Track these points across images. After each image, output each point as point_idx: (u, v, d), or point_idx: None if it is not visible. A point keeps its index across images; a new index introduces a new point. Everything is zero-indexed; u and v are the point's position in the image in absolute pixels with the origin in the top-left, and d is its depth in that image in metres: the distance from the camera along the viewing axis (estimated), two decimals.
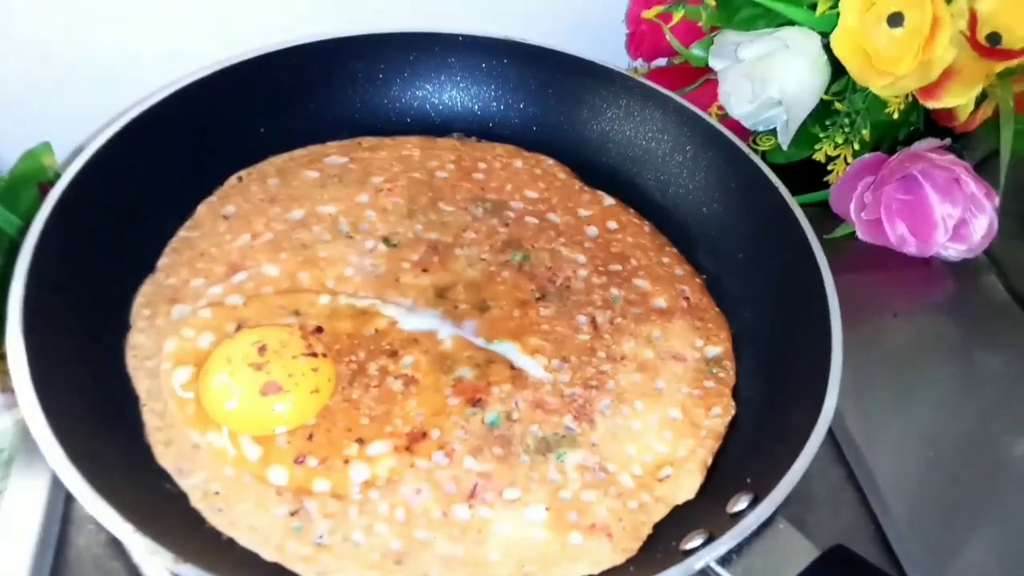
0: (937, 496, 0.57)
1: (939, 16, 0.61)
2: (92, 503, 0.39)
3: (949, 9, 0.62)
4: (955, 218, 0.68)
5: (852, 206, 0.71)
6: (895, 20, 0.62)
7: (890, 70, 0.64)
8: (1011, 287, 0.71)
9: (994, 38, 0.64)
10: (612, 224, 0.63)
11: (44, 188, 0.66)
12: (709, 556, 0.40)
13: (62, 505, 0.50)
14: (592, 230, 0.62)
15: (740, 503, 0.43)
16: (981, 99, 0.69)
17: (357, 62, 0.65)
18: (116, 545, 0.48)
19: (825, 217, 0.72)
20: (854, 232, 0.72)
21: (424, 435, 0.49)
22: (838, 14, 0.64)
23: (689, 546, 0.42)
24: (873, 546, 0.53)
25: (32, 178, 0.67)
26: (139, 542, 0.38)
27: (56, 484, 0.50)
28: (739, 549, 0.41)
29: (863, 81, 0.66)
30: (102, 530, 0.49)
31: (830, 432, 0.58)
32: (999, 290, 0.72)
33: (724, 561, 0.41)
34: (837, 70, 0.68)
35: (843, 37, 0.65)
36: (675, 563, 0.40)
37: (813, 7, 0.67)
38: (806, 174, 0.72)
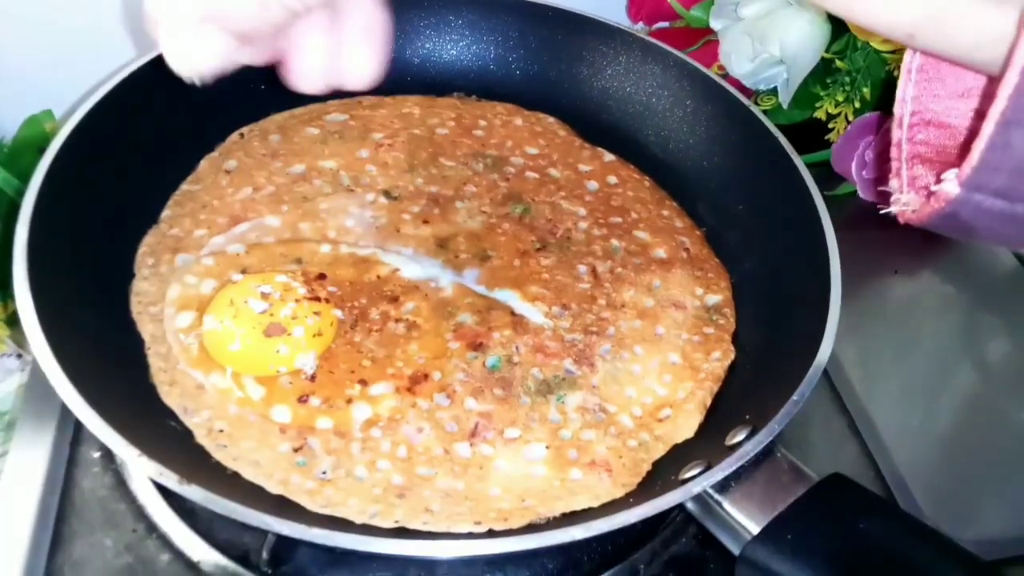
0: (934, 443, 0.57)
1: None
2: (100, 430, 0.39)
3: None
4: None
5: (853, 165, 0.71)
6: None
7: None
8: None
9: None
10: (612, 179, 0.63)
11: None
12: (707, 482, 0.40)
13: (64, 471, 0.50)
14: (592, 184, 0.62)
15: (739, 435, 0.43)
16: None
17: None
18: (122, 487, 0.49)
19: (827, 177, 0.72)
20: (855, 191, 0.72)
21: (426, 377, 0.49)
22: None
23: (687, 475, 0.42)
24: (873, 487, 0.53)
25: (34, 144, 0.67)
26: (145, 465, 0.38)
27: (58, 447, 0.50)
28: (737, 477, 0.41)
29: (864, 37, 0.66)
30: (106, 473, 0.50)
31: (831, 382, 0.59)
32: (1001, 249, 0.72)
33: (722, 489, 0.41)
34: (838, 28, 0.68)
35: None
36: (674, 490, 0.40)
37: None
38: (807, 135, 0.72)
